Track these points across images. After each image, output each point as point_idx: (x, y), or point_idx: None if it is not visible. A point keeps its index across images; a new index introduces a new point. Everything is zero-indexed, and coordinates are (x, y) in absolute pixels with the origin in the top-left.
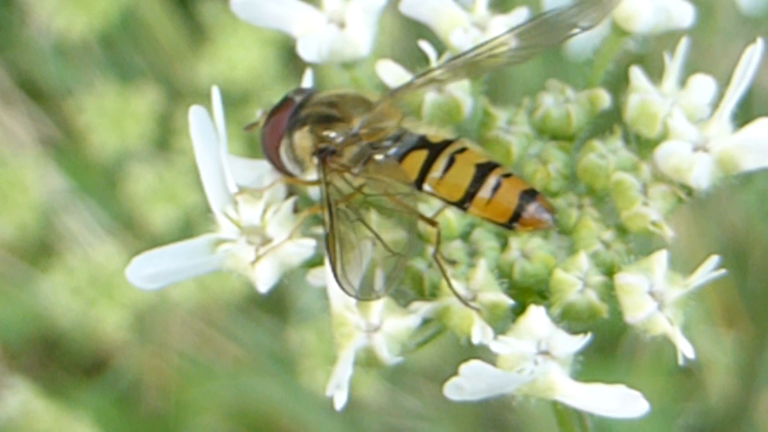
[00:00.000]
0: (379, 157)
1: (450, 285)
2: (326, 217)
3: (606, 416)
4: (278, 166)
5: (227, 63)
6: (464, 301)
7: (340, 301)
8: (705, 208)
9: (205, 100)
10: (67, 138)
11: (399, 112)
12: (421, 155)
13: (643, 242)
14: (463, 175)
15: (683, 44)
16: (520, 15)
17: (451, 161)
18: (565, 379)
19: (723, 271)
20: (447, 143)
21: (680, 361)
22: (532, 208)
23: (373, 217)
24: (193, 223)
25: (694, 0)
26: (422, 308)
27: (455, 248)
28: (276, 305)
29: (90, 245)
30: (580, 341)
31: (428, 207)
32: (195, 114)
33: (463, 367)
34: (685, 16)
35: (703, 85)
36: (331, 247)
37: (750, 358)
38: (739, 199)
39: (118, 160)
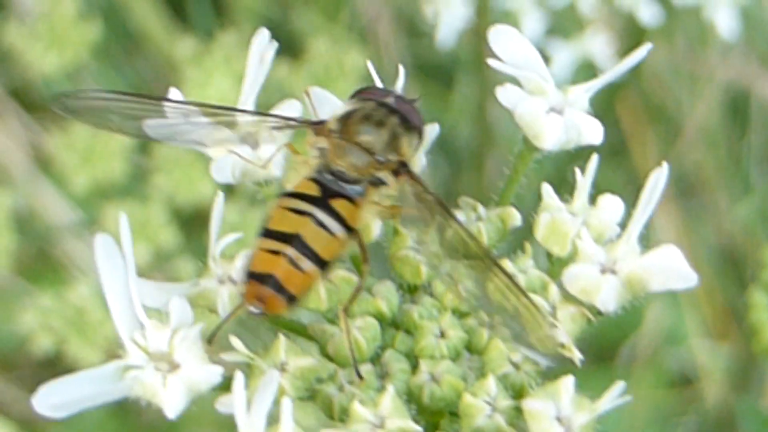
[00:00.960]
0: None
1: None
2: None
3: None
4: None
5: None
6: None
7: (248, 429)
8: (701, 218)
9: None
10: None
11: None
12: None
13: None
14: None
15: (593, 162)
16: (430, 131)
17: None
18: None
19: (628, 397)
20: None
21: None
22: None
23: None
24: (168, 258)
25: (693, 12)
26: None
27: (366, 371)
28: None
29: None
30: None
31: None
32: (100, 241)
33: None
34: (596, 133)
35: (612, 204)
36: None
37: (744, 367)
38: (737, 209)
39: (89, 196)
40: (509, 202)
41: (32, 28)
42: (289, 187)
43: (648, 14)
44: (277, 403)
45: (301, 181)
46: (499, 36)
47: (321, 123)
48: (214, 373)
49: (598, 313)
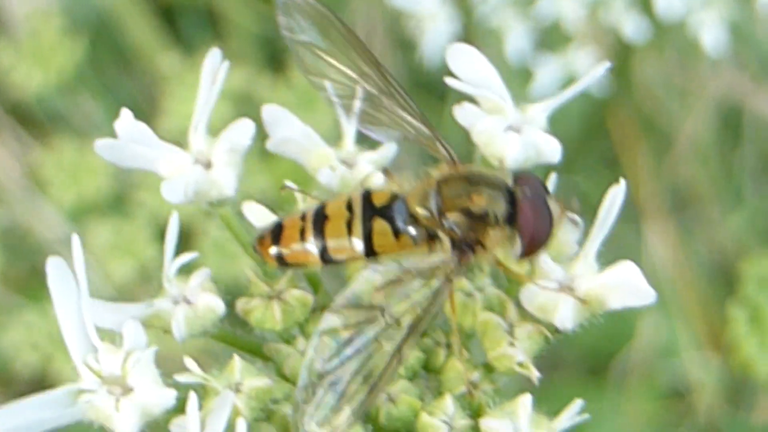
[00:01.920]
0: None
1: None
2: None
3: None
4: None
5: (182, 118)
6: None
7: None
8: (694, 231)
9: None
10: None
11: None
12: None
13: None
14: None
15: (552, 179)
16: (388, 150)
17: None
18: None
19: (587, 416)
20: None
21: None
22: None
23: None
24: (151, 275)
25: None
26: None
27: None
28: None
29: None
30: None
31: None
32: (52, 264)
33: None
34: (554, 151)
35: (572, 222)
36: None
37: (736, 381)
38: (729, 221)
39: (75, 213)
40: None
41: (18, 46)
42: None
43: (632, 29)
44: (231, 424)
45: (381, 191)
46: (457, 55)
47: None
48: (167, 397)
49: (556, 331)
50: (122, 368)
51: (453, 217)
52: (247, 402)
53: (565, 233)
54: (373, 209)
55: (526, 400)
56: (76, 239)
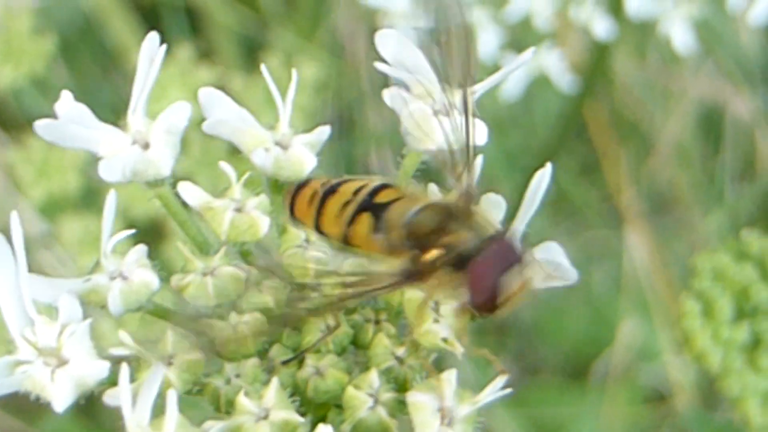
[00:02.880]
0: None
1: None
2: None
3: None
4: None
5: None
6: None
7: (133, 421)
8: (674, 234)
9: None
10: None
11: None
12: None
13: None
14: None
15: (478, 160)
16: (322, 132)
17: None
18: None
19: (509, 390)
20: None
21: None
22: None
23: None
24: None
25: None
26: (214, 427)
27: (252, 365)
28: None
29: None
30: None
31: None
32: None
33: None
34: (481, 135)
35: (495, 203)
36: None
37: (712, 384)
38: (709, 223)
39: (47, 209)
40: None
41: None
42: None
43: (602, 28)
44: (163, 396)
45: (393, 190)
46: (385, 39)
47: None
48: (101, 368)
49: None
50: (58, 341)
51: (411, 241)
52: (179, 374)
53: (489, 214)
54: (371, 203)
55: (450, 374)
56: (14, 216)
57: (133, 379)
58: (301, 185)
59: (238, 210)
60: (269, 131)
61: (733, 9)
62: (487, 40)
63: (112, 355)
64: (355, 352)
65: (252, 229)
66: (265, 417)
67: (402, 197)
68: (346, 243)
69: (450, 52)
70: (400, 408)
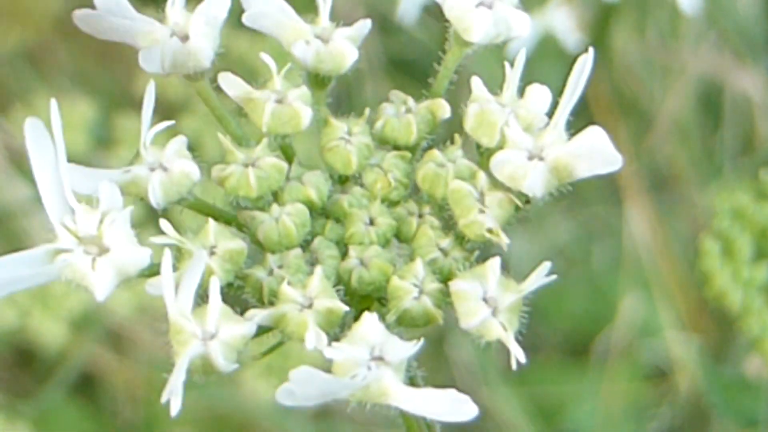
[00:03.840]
0: None
1: None
2: None
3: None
4: None
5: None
6: None
7: (175, 309)
8: (674, 211)
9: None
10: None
11: None
12: None
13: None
14: None
15: (521, 55)
16: (363, 26)
17: None
18: (398, 384)
19: (554, 276)
20: None
21: (513, 366)
22: None
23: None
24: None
25: (664, 3)
26: (258, 315)
27: (295, 256)
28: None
29: None
30: (413, 347)
31: None
32: (30, 125)
33: (293, 372)
34: (523, 26)
35: (540, 94)
36: None
37: (717, 359)
38: (708, 199)
39: None
40: (440, 96)
41: None
42: None
43: None
44: (205, 285)
45: None
46: None
47: None
48: (142, 256)
49: (526, 201)
50: (98, 229)
51: None
52: (221, 264)
53: (534, 105)
54: None
55: (495, 263)
56: (54, 102)
57: (174, 270)
58: None
59: (279, 101)
60: (309, 25)
61: None
62: None
63: (153, 243)
64: (399, 245)
65: (294, 121)
66: (309, 306)
67: None
68: None
69: None
70: (444, 300)
